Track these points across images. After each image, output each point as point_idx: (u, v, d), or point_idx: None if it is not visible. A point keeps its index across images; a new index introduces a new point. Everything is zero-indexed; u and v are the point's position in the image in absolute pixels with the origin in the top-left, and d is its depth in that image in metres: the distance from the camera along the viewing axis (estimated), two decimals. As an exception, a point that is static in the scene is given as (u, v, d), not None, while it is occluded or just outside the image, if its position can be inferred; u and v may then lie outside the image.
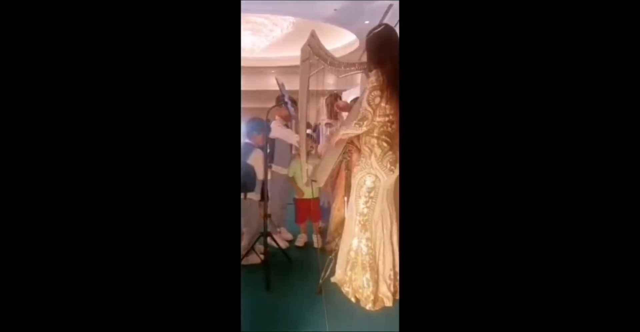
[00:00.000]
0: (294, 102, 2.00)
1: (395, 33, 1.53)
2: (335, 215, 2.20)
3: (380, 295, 1.55)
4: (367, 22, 6.12)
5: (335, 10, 5.40)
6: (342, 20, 5.70)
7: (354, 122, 1.49)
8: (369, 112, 1.44)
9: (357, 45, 6.77)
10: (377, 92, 1.42)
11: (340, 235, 2.03)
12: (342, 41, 6.97)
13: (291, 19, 6.20)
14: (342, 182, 2.04)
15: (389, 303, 1.54)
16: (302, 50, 1.80)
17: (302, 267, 2.00)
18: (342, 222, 2.16)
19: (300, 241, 2.32)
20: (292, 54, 8.50)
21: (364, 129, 1.48)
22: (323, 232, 2.35)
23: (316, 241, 2.28)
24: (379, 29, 1.52)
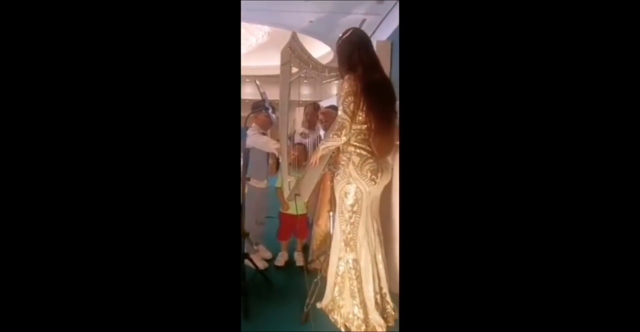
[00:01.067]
0: (274, 109, 1.84)
1: (367, 37, 1.47)
2: (318, 231, 2.03)
3: (372, 322, 1.39)
4: (341, 34, 6.22)
5: (310, 22, 5.43)
6: (317, 32, 5.75)
7: (332, 133, 1.38)
8: (346, 120, 1.33)
9: (331, 56, 6.84)
10: (351, 98, 1.31)
11: (323, 253, 1.86)
12: (317, 52, 7.07)
13: (266, 29, 6.15)
14: (326, 195, 1.88)
15: (380, 330, 1.38)
16: (283, 52, 1.67)
17: (283, 290, 1.80)
18: (325, 239, 1.99)
19: (281, 260, 2.10)
20: (267, 63, 8.44)
21: (344, 139, 1.36)
22: (305, 250, 2.16)
23: (298, 259, 2.09)
24: (348, 33, 1.45)
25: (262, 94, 1.77)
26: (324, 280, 1.61)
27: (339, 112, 1.35)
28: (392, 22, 5.19)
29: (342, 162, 1.39)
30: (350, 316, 1.40)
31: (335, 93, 6.36)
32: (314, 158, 1.49)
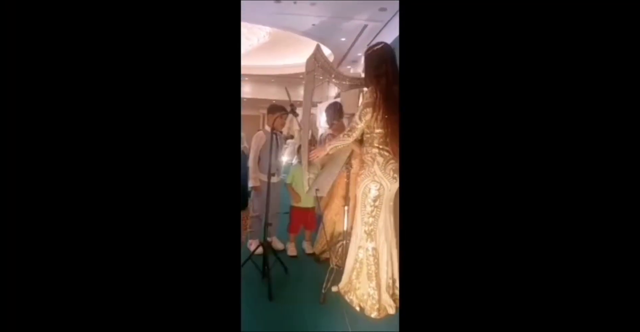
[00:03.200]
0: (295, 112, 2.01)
1: (393, 51, 1.61)
2: (329, 224, 2.22)
3: (383, 303, 1.59)
4: (343, 39, 6.39)
5: (313, 25, 5.58)
6: (319, 35, 5.89)
7: (344, 133, 1.60)
8: (357, 123, 1.55)
9: (331, 59, 7.00)
10: (369, 109, 1.51)
11: (336, 243, 2.06)
12: None
13: (267, 29, 6.25)
14: (339, 191, 2.08)
15: (392, 311, 1.58)
16: (308, 62, 1.84)
17: (298, 276, 1.98)
18: (336, 232, 2.19)
19: (293, 250, 2.28)
20: (267, 63, 8.53)
21: (352, 139, 1.58)
22: (313, 239, 2.35)
23: (308, 247, 2.27)
24: (379, 46, 1.60)
25: (289, 97, 1.94)
26: (337, 268, 1.81)
27: (355, 117, 1.55)
28: (394, 30, 5.39)
29: (368, 162, 1.59)
30: (365, 296, 1.59)
31: (333, 95, 6.51)
32: (316, 153, 1.69)
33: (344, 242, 1.88)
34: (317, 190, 1.79)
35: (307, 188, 1.89)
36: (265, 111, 2.43)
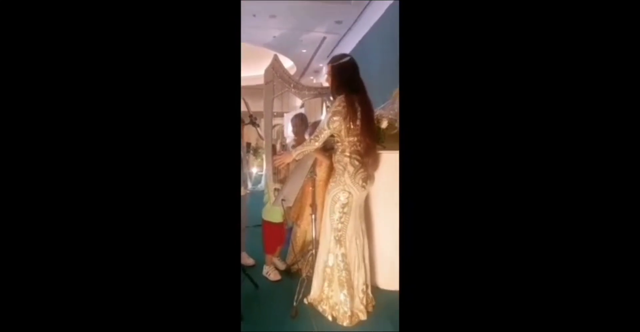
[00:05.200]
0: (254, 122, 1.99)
1: (356, 64, 1.66)
2: (299, 235, 2.19)
3: (355, 310, 1.58)
4: (304, 50, 6.52)
5: (274, 37, 5.64)
6: (281, 47, 5.97)
7: (310, 139, 1.61)
8: (324, 129, 1.56)
9: (294, 70, 7.08)
10: (338, 117, 1.54)
11: (305, 255, 2.03)
12: None
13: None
14: (307, 200, 2.06)
15: (363, 317, 1.58)
16: (266, 72, 1.84)
17: (268, 292, 1.92)
18: (307, 242, 2.16)
19: (276, 275, 2.03)
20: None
21: (318, 144, 1.59)
22: (283, 254, 2.29)
23: (278, 264, 2.21)
24: (345, 59, 1.64)
25: (249, 109, 1.92)
26: (309, 278, 1.77)
27: (324, 125, 1.57)
28: (350, 41, 5.60)
29: (338, 171, 1.59)
30: (337, 305, 1.58)
31: (298, 105, 6.56)
32: (282, 159, 1.68)
33: (314, 251, 1.86)
34: (283, 200, 1.77)
35: (272, 199, 1.86)
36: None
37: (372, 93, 1.66)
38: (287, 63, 6.87)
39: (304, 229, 2.15)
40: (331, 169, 1.73)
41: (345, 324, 1.54)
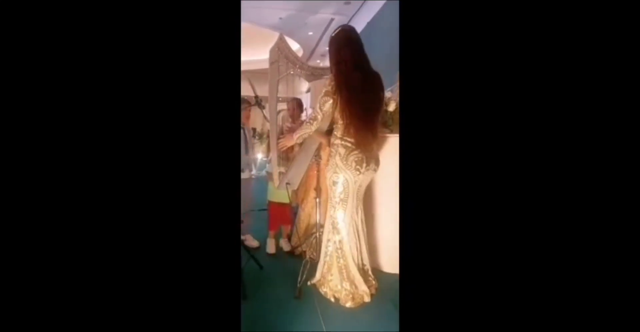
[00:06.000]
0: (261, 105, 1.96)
1: (352, 34, 1.56)
2: (303, 217, 2.19)
3: (359, 292, 1.59)
4: (310, 33, 6.36)
5: (280, 18, 5.50)
6: (287, 29, 5.82)
7: (306, 122, 1.59)
8: (317, 112, 1.53)
9: (300, 53, 6.95)
10: (327, 98, 1.49)
11: (310, 236, 2.04)
12: None
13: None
14: (311, 183, 2.05)
15: (367, 299, 1.59)
16: (271, 52, 1.80)
17: (274, 273, 1.95)
18: (309, 223, 2.17)
19: (272, 248, 2.20)
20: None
21: (314, 127, 1.56)
22: (290, 236, 2.31)
23: (285, 245, 2.24)
24: (336, 31, 1.56)
25: (254, 90, 1.89)
26: (312, 261, 1.79)
27: (315, 106, 1.54)
28: (359, 22, 5.43)
29: (332, 154, 1.57)
30: (338, 287, 1.59)
31: (304, 90, 6.47)
32: (284, 143, 1.67)
33: (317, 234, 1.86)
34: (287, 184, 1.76)
35: (277, 182, 1.85)
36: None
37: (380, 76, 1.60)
38: (294, 46, 6.75)
39: (308, 212, 2.16)
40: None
41: (348, 305, 1.56)
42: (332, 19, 5.72)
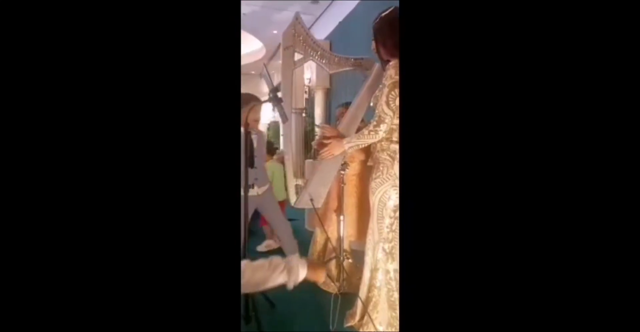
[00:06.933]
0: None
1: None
2: (319, 240, 1.80)
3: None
4: (275, 31, 6.01)
5: (243, 14, 5.07)
6: (250, 26, 5.44)
7: (369, 129, 1.20)
8: (388, 116, 1.16)
9: (263, 52, 6.55)
10: (397, 91, 1.15)
11: (330, 261, 1.67)
12: (249, 48, 6.81)
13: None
14: (332, 200, 1.67)
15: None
16: (285, 35, 1.43)
17: (295, 307, 1.54)
18: (329, 250, 1.77)
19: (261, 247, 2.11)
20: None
21: (381, 136, 1.20)
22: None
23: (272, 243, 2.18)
24: (390, 10, 1.25)
25: (268, 80, 1.48)
26: (343, 296, 1.43)
27: (382, 106, 1.17)
28: (328, 23, 5.26)
29: (385, 162, 1.22)
30: (384, 324, 1.26)
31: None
32: (331, 151, 1.30)
33: (342, 261, 1.52)
34: (311, 200, 1.38)
35: (294, 198, 1.46)
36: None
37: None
38: (257, 45, 6.34)
39: (330, 235, 1.72)
40: (365, 163, 1.39)
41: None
42: (297, 15, 5.46)
